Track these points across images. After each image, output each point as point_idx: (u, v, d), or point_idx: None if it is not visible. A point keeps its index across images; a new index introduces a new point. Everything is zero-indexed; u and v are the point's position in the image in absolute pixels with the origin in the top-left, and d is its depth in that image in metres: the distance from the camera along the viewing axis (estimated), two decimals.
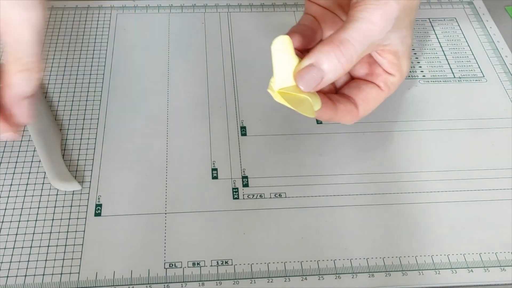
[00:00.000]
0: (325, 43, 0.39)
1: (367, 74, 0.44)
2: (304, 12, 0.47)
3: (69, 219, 0.42)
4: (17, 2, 0.35)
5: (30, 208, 0.43)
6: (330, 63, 0.38)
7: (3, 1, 0.35)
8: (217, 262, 0.40)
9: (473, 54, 0.56)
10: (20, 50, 0.36)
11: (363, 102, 0.43)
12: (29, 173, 0.45)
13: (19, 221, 0.42)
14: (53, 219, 0.42)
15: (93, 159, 0.46)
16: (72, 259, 0.40)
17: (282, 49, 0.38)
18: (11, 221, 0.42)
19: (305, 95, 0.39)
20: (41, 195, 0.44)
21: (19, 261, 0.40)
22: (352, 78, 0.46)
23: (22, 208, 0.43)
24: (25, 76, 0.37)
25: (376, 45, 0.41)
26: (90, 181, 0.44)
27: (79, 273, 0.39)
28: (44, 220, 0.42)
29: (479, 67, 0.55)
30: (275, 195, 0.44)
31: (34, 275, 0.39)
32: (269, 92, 0.40)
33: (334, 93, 0.45)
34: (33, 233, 0.41)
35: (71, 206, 0.43)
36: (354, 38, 0.38)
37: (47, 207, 0.43)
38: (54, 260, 0.40)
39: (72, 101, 0.50)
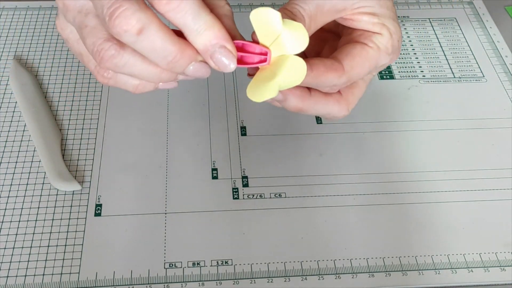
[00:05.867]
0: None
1: (349, 41, 0.39)
2: None
3: (69, 219, 0.42)
4: None
5: (30, 208, 0.43)
6: None
7: None
8: (217, 262, 0.40)
9: (473, 54, 0.56)
10: None
11: (347, 57, 0.37)
12: (29, 173, 0.45)
13: (19, 221, 0.42)
14: (53, 219, 0.42)
15: (93, 159, 0.46)
16: (72, 259, 0.40)
17: (265, 22, 0.33)
18: (11, 221, 0.42)
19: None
20: (41, 195, 0.43)
21: (19, 261, 0.40)
22: None
23: (22, 208, 0.43)
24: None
25: (341, 10, 0.37)
26: (90, 181, 0.44)
27: (79, 273, 0.39)
28: (44, 220, 0.42)
29: (479, 67, 0.55)
30: (275, 195, 0.44)
31: (34, 275, 0.39)
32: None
33: None
34: (33, 233, 0.41)
35: (71, 206, 0.43)
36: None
37: (47, 207, 0.43)
38: (54, 260, 0.40)
39: (72, 101, 0.50)
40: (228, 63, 0.32)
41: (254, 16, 0.33)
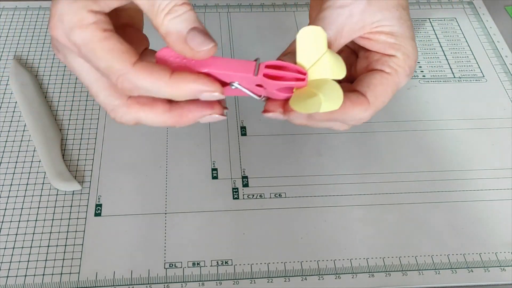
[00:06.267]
0: None
1: (367, 67, 0.39)
2: None
3: (69, 219, 0.42)
4: None
5: (30, 208, 0.43)
6: None
7: None
8: (217, 262, 0.40)
9: (473, 54, 0.56)
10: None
11: (369, 89, 0.37)
12: (29, 173, 0.45)
13: (19, 221, 0.42)
14: (53, 219, 0.42)
15: (93, 159, 0.46)
16: (72, 259, 0.40)
17: (311, 42, 0.33)
18: (11, 221, 0.42)
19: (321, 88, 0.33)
20: (41, 195, 0.43)
21: (19, 261, 0.40)
22: None
23: (22, 208, 0.43)
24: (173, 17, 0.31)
25: (359, 29, 0.37)
26: (90, 181, 0.44)
27: (79, 273, 0.39)
28: (44, 220, 0.42)
29: (479, 67, 0.55)
30: (275, 195, 0.44)
31: (34, 275, 0.39)
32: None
33: None
34: (33, 233, 0.41)
35: (71, 206, 0.43)
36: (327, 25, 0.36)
37: (47, 207, 0.43)
38: (54, 260, 0.40)
39: (72, 101, 0.50)
40: (214, 96, 0.33)
41: (302, 34, 0.32)
